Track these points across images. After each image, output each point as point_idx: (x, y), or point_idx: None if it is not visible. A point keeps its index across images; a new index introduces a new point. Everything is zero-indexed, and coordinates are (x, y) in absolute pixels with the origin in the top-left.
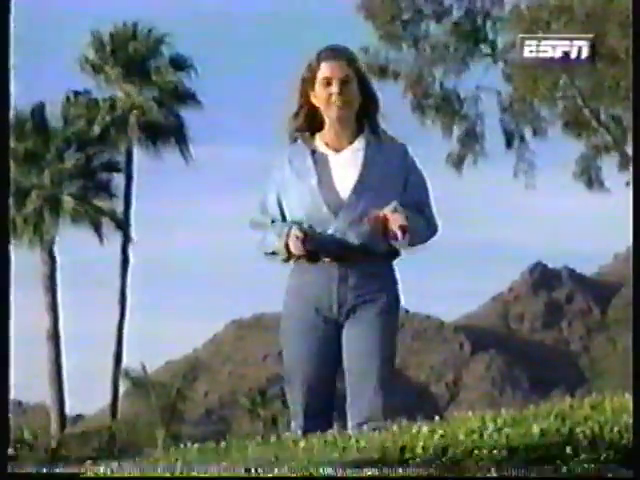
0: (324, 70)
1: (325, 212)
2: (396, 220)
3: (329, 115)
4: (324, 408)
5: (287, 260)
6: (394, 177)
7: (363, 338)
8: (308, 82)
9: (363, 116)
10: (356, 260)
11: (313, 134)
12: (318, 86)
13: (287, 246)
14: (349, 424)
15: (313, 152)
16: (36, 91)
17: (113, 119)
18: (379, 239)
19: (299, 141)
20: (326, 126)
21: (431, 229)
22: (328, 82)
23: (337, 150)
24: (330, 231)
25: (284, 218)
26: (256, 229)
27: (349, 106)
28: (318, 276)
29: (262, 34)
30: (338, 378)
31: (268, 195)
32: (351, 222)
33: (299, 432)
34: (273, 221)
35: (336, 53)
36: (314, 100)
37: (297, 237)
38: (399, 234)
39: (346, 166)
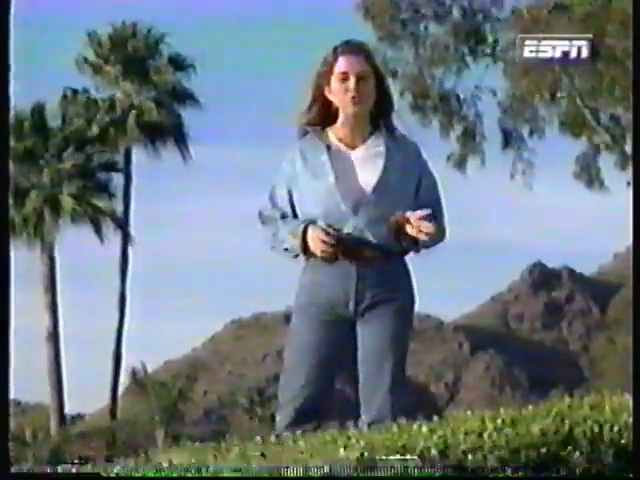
0: (341, 64)
1: (343, 209)
2: (426, 227)
3: (345, 111)
4: (316, 405)
5: (298, 256)
6: (410, 177)
7: (378, 337)
8: (323, 76)
9: (377, 114)
10: (373, 258)
11: (324, 128)
12: (334, 80)
13: (304, 245)
14: (360, 422)
15: (328, 147)
16: (35, 90)
17: (112, 119)
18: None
19: (310, 135)
20: (339, 121)
21: (440, 235)
22: (345, 77)
23: (351, 147)
24: (348, 229)
25: (294, 212)
26: (265, 223)
27: (365, 102)
28: (335, 273)
29: (261, 33)
30: (339, 380)
31: (277, 188)
32: (371, 220)
33: (283, 424)
34: (283, 216)
35: (354, 48)
36: (329, 95)
37: (324, 241)
38: (423, 236)
39: (363, 163)
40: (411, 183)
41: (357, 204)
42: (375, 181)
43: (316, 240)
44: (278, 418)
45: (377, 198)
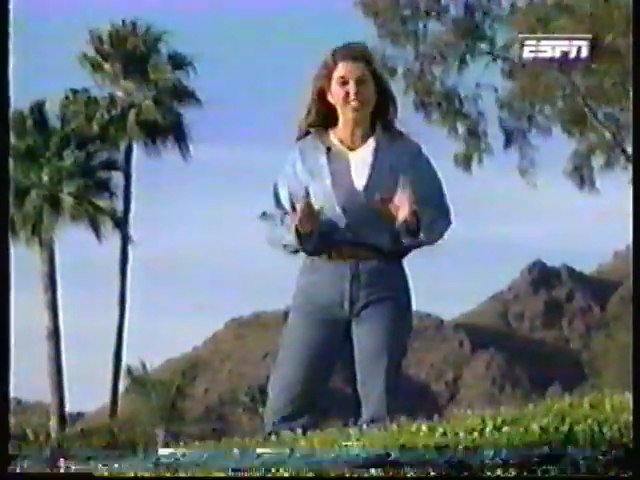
0: (340, 70)
1: (338, 212)
2: (403, 205)
3: (345, 114)
4: (306, 402)
5: (297, 252)
6: (405, 176)
7: (373, 337)
8: (324, 79)
9: (378, 115)
10: (367, 258)
11: (326, 129)
12: (334, 85)
13: (299, 237)
14: (359, 421)
15: (328, 149)
16: (35, 89)
17: (112, 117)
18: (390, 237)
19: (312, 135)
20: (340, 123)
21: (443, 217)
22: (344, 81)
23: (351, 148)
24: (342, 230)
25: (294, 211)
26: (266, 221)
27: (365, 106)
28: (330, 273)
29: (261, 31)
30: (339, 379)
31: (280, 188)
32: (364, 221)
33: (271, 420)
34: (286, 213)
35: (353, 53)
36: (330, 98)
37: (303, 210)
38: (408, 218)
39: (359, 165)
40: (404, 182)
41: (350, 206)
42: (363, 184)
43: (301, 214)
44: (266, 414)
45: (367, 201)
